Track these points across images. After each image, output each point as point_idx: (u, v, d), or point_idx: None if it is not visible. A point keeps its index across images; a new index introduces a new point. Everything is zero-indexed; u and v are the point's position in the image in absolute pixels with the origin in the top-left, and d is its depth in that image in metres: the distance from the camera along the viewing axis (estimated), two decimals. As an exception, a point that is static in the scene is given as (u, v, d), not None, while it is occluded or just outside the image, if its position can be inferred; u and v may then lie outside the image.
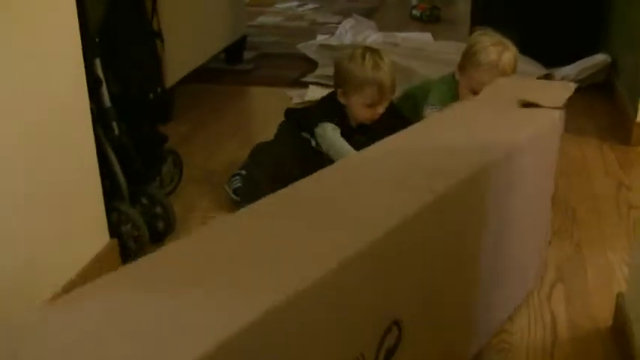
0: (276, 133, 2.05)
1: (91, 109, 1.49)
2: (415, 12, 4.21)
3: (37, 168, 1.34)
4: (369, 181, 1.04)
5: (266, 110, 2.78)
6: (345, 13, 4.15)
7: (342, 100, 1.96)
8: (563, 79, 2.72)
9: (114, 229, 1.60)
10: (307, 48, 3.39)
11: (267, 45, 3.63)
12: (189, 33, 2.60)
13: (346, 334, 0.85)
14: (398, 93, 2.05)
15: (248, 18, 3.56)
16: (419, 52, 3.08)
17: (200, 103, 2.75)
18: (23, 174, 1.30)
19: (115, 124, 1.61)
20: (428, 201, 0.97)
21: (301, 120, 2.01)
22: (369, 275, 0.87)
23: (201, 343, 0.65)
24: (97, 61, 1.55)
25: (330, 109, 1.98)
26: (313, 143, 1.96)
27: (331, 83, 2.15)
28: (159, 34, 2.00)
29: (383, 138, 1.19)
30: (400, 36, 3.48)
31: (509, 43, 1.95)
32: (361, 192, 1.00)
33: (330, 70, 2.48)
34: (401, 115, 2.01)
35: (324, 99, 2.08)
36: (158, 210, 1.71)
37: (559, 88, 1.46)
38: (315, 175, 1.04)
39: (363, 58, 1.92)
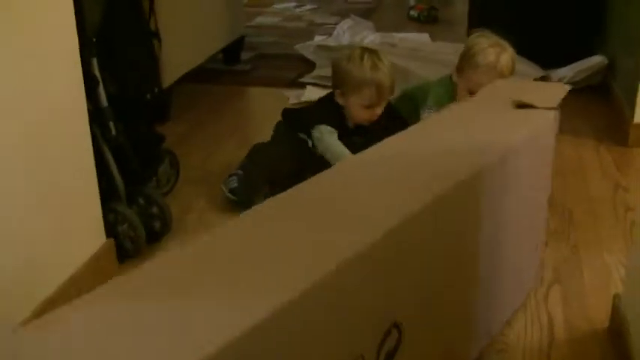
0: (273, 133, 2.05)
1: (88, 109, 1.49)
2: (413, 12, 4.22)
3: (35, 168, 1.34)
4: (367, 183, 1.04)
5: (264, 111, 2.78)
6: (343, 14, 4.15)
7: (340, 101, 1.96)
8: (559, 80, 2.72)
9: (110, 229, 1.60)
10: (305, 49, 3.39)
11: (264, 45, 3.63)
12: (187, 33, 2.60)
13: (346, 337, 0.85)
14: (395, 94, 2.05)
15: (246, 18, 3.56)
16: (416, 52, 3.08)
17: (197, 103, 2.75)
18: (22, 174, 1.30)
19: (111, 124, 1.61)
20: (426, 202, 0.97)
21: (298, 121, 2.01)
22: (368, 277, 0.87)
23: (202, 347, 0.65)
24: (94, 61, 1.55)
25: (328, 110, 1.98)
26: (310, 144, 1.96)
27: (329, 84, 2.15)
28: (156, 34, 2.00)
29: (381, 139, 1.19)
30: (398, 36, 3.48)
31: (506, 44, 1.96)
32: (360, 194, 1.00)
33: (327, 71, 2.48)
34: (399, 115, 2.01)
35: (321, 100, 2.08)
36: (155, 210, 1.71)
37: (553, 89, 1.46)
38: (315, 178, 1.05)
39: (362, 58, 1.92)
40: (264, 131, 2.13)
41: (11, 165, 1.27)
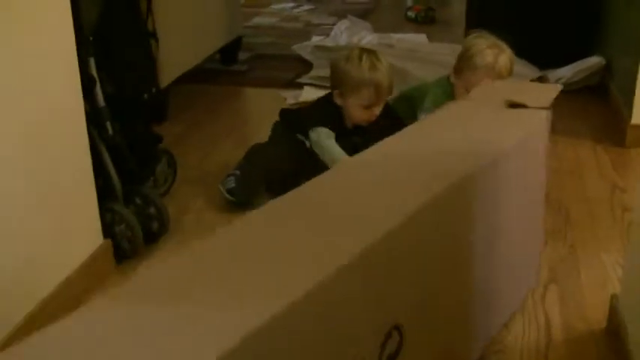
0: (271, 133, 2.05)
1: (85, 109, 1.49)
2: (410, 13, 4.22)
3: (35, 168, 1.34)
4: (365, 185, 1.04)
5: (261, 111, 2.78)
6: (340, 15, 4.15)
7: (338, 101, 1.96)
8: (557, 81, 2.73)
9: (108, 230, 1.59)
10: (302, 49, 3.39)
11: (262, 46, 3.63)
12: (184, 33, 2.60)
13: (348, 340, 0.85)
14: (393, 94, 2.05)
15: (243, 19, 3.56)
16: (414, 53, 3.08)
17: (195, 103, 2.75)
18: (22, 174, 1.30)
19: (109, 124, 1.60)
20: (425, 203, 0.98)
21: (296, 122, 2.01)
22: (368, 279, 0.87)
23: (205, 352, 0.65)
24: (92, 61, 1.55)
25: (326, 110, 1.97)
26: (308, 145, 1.96)
27: (326, 84, 2.15)
28: (153, 35, 2.00)
29: (379, 139, 1.19)
30: (395, 37, 3.48)
31: (504, 45, 1.96)
32: (359, 196, 1.00)
33: (325, 72, 2.48)
34: (396, 116, 2.01)
35: (319, 100, 2.07)
36: (152, 210, 1.70)
37: (546, 89, 1.46)
38: (313, 181, 1.05)
39: (360, 59, 1.91)
40: (261, 131, 2.13)
41: (11, 165, 1.27)
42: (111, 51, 1.67)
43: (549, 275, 1.56)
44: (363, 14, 4.26)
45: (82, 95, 1.47)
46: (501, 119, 1.31)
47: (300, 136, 1.97)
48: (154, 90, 1.84)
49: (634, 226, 1.49)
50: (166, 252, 1.68)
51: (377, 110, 1.94)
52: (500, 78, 1.88)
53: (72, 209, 1.47)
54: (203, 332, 0.68)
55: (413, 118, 1.99)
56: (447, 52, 2.80)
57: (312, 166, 1.79)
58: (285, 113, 2.09)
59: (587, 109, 2.58)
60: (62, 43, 1.40)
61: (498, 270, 1.27)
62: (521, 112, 1.33)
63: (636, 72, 2.22)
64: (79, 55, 1.44)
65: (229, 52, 3.19)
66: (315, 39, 3.61)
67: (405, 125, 1.32)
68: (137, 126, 1.78)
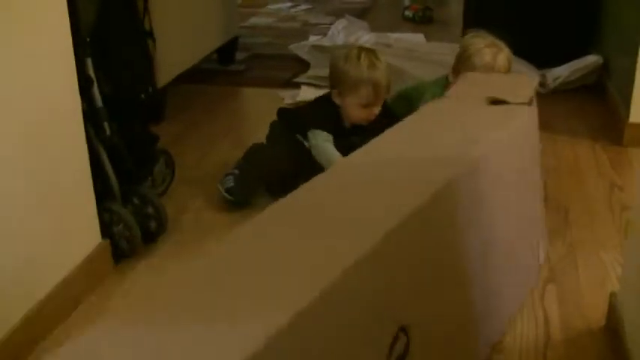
0: (269, 132, 2.04)
1: (83, 109, 1.49)
2: (407, 13, 4.22)
3: (35, 168, 1.34)
4: (363, 186, 1.05)
5: (258, 111, 2.77)
6: (338, 14, 4.14)
7: (337, 100, 1.96)
8: (555, 80, 2.73)
9: (106, 230, 1.59)
10: (299, 49, 3.38)
11: (259, 46, 3.62)
12: (181, 33, 2.59)
13: (357, 343, 0.85)
14: (391, 94, 2.04)
15: (240, 19, 3.55)
16: (412, 53, 3.08)
17: (192, 103, 2.74)
18: (22, 174, 1.30)
19: (106, 124, 1.60)
20: (423, 203, 0.98)
21: (295, 122, 2.00)
22: (372, 280, 0.87)
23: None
24: (89, 61, 1.54)
25: (325, 110, 1.97)
26: (306, 145, 1.95)
27: (324, 84, 2.15)
28: (150, 34, 2.00)
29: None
30: (393, 37, 3.48)
31: (502, 44, 1.96)
32: (357, 198, 1.01)
33: (322, 71, 2.48)
34: (395, 115, 2.01)
35: (318, 100, 2.07)
36: (150, 210, 1.70)
37: (523, 83, 1.46)
38: (309, 184, 1.05)
39: (359, 58, 1.91)
40: (259, 131, 2.12)
41: (11, 165, 1.27)
42: (108, 51, 1.67)
43: (548, 274, 1.56)
44: (361, 14, 4.26)
45: (79, 96, 1.46)
46: (486, 117, 1.30)
47: (298, 137, 1.97)
48: (151, 90, 1.84)
49: (632, 225, 1.49)
50: (165, 252, 1.68)
51: (376, 110, 1.94)
52: (499, 77, 1.88)
53: (70, 209, 1.46)
54: (214, 344, 0.68)
55: (411, 117, 1.98)
56: (444, 52, 2.79)
57: (311, 166, 1.79)
58: (283, 112, 2.09)
59: (585, 108, 2.59)
60: (60, 44, 1.39)
61: (497, 268, 1.27)
62: (506, 108, 1.32)
63: (634, 71, 2.22)
64: (76, 55, 1.43)
65: (226, 52, 3.19)
66: (313, 39, 3.61)
67: (403, 125, 1.32)
68: (135, 126, 1.78)
